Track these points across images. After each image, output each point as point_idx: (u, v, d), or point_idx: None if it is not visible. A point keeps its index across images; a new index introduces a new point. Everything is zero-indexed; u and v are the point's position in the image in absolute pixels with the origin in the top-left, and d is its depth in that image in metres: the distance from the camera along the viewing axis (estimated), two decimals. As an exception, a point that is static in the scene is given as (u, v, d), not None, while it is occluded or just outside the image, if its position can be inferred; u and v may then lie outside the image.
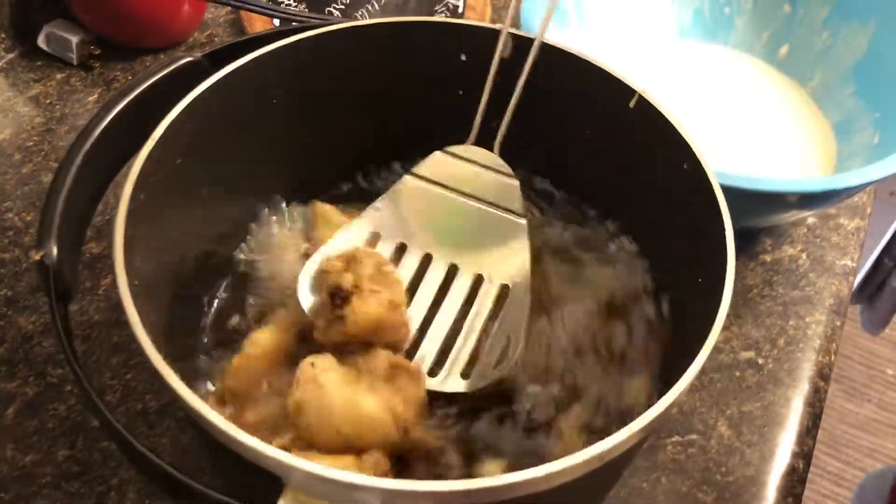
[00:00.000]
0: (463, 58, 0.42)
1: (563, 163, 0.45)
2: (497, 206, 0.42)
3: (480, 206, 0.42)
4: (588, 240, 0.45)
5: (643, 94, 0.37)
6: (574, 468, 0.27)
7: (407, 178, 0.43)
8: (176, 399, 0.27)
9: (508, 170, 0.42)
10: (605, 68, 0.38)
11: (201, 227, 0.39)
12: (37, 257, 0.30)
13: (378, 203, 0.43)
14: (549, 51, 0.40)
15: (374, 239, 0.43)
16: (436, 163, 0.42)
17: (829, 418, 1.55)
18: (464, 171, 0.42)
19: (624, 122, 0.38)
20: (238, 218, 0.44)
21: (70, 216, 0.32)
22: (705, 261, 0.33)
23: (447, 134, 0.43)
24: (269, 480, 0.27)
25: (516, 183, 0.42)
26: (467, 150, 0.42)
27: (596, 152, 0.42)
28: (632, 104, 0.37)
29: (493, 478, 0.26)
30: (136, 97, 0.35)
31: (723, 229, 0.32)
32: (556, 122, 0.42)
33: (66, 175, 0.33)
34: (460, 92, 0.42)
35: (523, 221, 0.42)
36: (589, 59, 0.39)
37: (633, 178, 0.40)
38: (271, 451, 0.26)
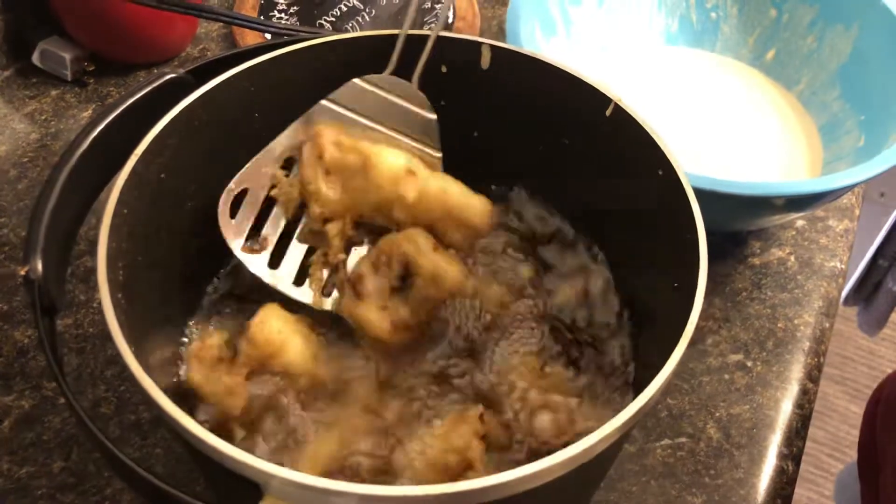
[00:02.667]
0: (443, 69, 0.42)
1: (544, 171, 0.45)
2: (412, 138, 0.42)
3: (394, 135, 0.42)
4: (560, 244, 0.46)
5: (619, 103, 0.38)
6: (552, 469, 0.27)
7: (322, 103, 0.41)
8: (154, 407, 0.28)
9: (427, 103, 0.42)
10: (582, 78, 0.39)
11: (186, 241, 0.40)
12: (22, 272, 0.31)
13: (291, 127, 0.42)
14: (528, 62, 0.41)
15: (289, 163, 0.42)
16: (352, 90, 0.41)
17: (833, 420, 1.55)
18: (380, 101, 0.41)
19: (601, 130, 0.39)
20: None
21: (56, 232, 0.33)
22: (679, 262, 0.33)
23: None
24: (250, 487, 0.27)
25: (434, 116, 0.42)
26: (385, 79, 0.41)
27: (575, 160, 0.42)
28: (608, 112, 0.38)
29: (469, 481, 0.27)
30: (120, 114, 0.36)
31: (695, 230, 0.32)
32: (536, 132, 0.42)
33: (52, 191, 0.33)
34: (442, 102, 0.42)
35: (438, 155, 0.42)
36: (566, 69, 0.39)
37: (610, 184, 0.41)
38: (249, 458, 0.26)
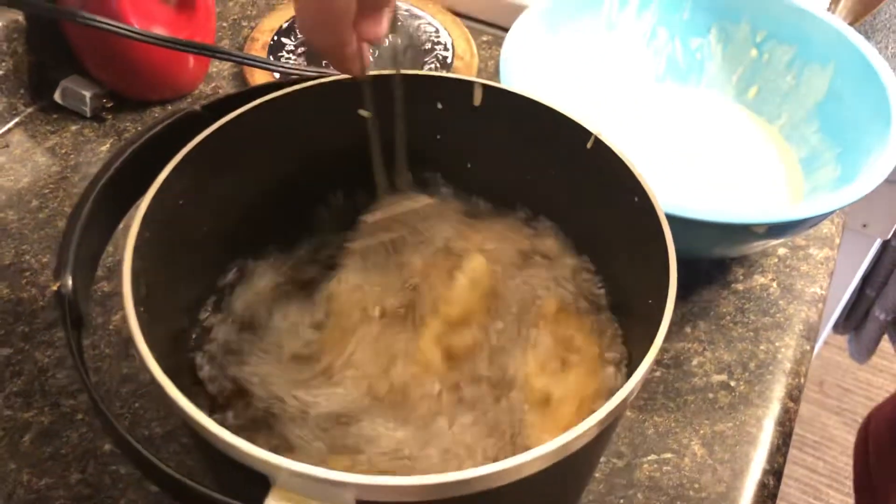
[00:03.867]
0: (439, 106, 0.46)
1: (527, 200, 0.49)
2: None
3: None
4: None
5: (598, 136, 0.41)
6: (534, 462, 0.30)
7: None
8: (168, 402, 0.31)
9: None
10: (565, 113, 0.42)
11: (201, 260, 0.43)
12: (54, 288, 0.34)
13: None
14: (516, 99, 0.44)
15: None
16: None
17: (832, 451, 1.56)
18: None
19: (584, 161, 0.42)
20: (233, 255, 0.49)
21: (83, 252, 0.36)
22: (653, 280, 0.36)
23: (425, 166, 0.47)
24: (259, 480, 0.30)
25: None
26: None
27: (561, 189, 0.46)
28: (589, 145, 0.41)
29: (462, 472, 0.29)
30: (141, 145, 0.40)
31: (666, 252, 0.35)
32: (525, 164, 0.46)
33: (80, 215, 0.37)
34: (438, 136, 0.46)
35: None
36: (551, 106, 0.43)
37: (592, 211, 0.44)
38: (256, 450, 0.29)
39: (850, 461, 1.51)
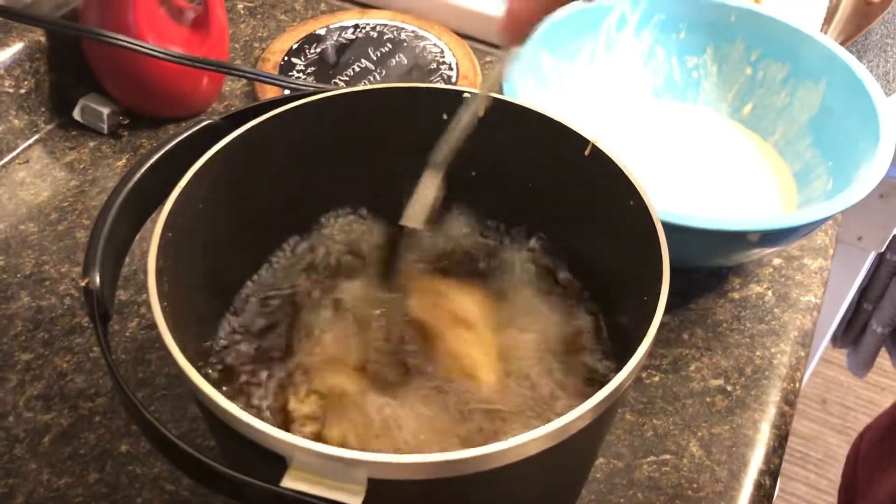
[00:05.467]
0: (444, 116, 0.48)
1: (530, 206, 0.51)
2: None
3: None
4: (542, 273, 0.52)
5: (595, 143, 0.43)
6: (529, 444, 0.32)
7: None
8: (190, 386, 0.33)
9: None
10: (564, 122, 0.45)
11: (219, 259, 0.45)
12: (83, 283, 0.36)
13: None
14: (517, 109, 0.47)
15: None
16: None
17: (834, 468, 1.57)
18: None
19: (582, 167, 0.45)
20: (250, 254, 0.51)
21: (109, 252, 0.38)
22: (648, 278, 0.38)
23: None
24: (276, 460, 0.32)
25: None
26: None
27: (561, 195, 0.48)
28: (587, 152, 0.44)
29: (469, 450, 0.31)
30: (165, 153, 0.42)
31: (660, 250, 0.37)
32: (526, 171, 0.48)
33: (107, 217, 0.39)
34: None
35: None
36: (550, 115, 0.45)
37: (591, 215, 0.46)
38: (274, 431, 0.31)
39: (855, 479, 1.52)
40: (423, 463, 0.31)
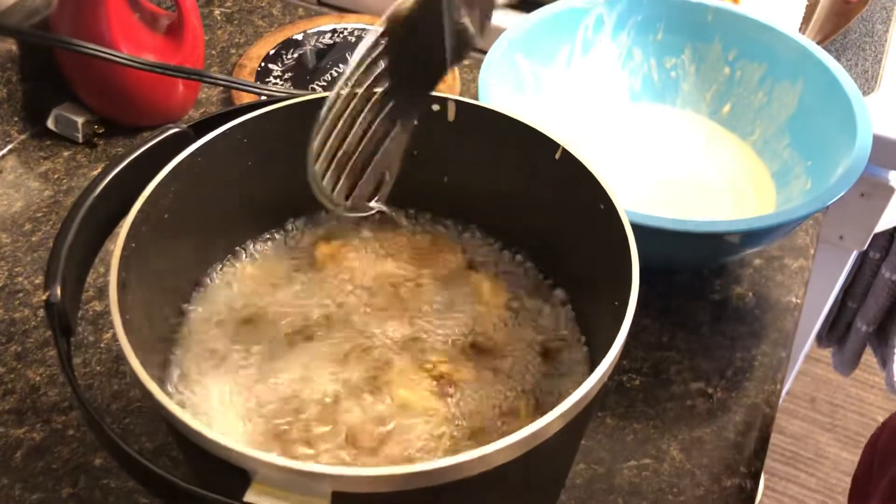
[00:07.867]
0: (415, 122, 0.48)
1: (502, 211, 0.51)
2: None
3: None
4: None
5: (565, 147, 0.43)
6: (501, 452, 0.31)
7: None
8: (151, 401, 0.32)
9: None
10: (534, 126, 0.44)
11: (185, 269, 0.45)
12: (44, 297, 0.35)
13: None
14: (487, 114, 0.47)
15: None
16: None
17: (824, 467, 1.57)
18: None
19: (552, 171, 0.44)
20: (214, 261, 0.51)
21: (71, 264, 0.38)
22: (618, 281, 0.38)
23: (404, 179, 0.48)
24: (238, 475, 0.32)
25: None
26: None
27: (532, 199, 0.48)
28: (557, 156, 0.43)
29: (434, 462, 0.31)
30: (130, 162, 0.41)
31: (629, 254, 0.37)
32: (498, 175, 0.48)
33: (69, 230, 0.38)
34: (415, 152, 0.47)
35: None
36: (520, 119, 0.45)
37: (562, 219, 0.46)
38: (235, 445, 0.30)
39: (843, 477, 1.52)
40: (388, 475, 0.30)
